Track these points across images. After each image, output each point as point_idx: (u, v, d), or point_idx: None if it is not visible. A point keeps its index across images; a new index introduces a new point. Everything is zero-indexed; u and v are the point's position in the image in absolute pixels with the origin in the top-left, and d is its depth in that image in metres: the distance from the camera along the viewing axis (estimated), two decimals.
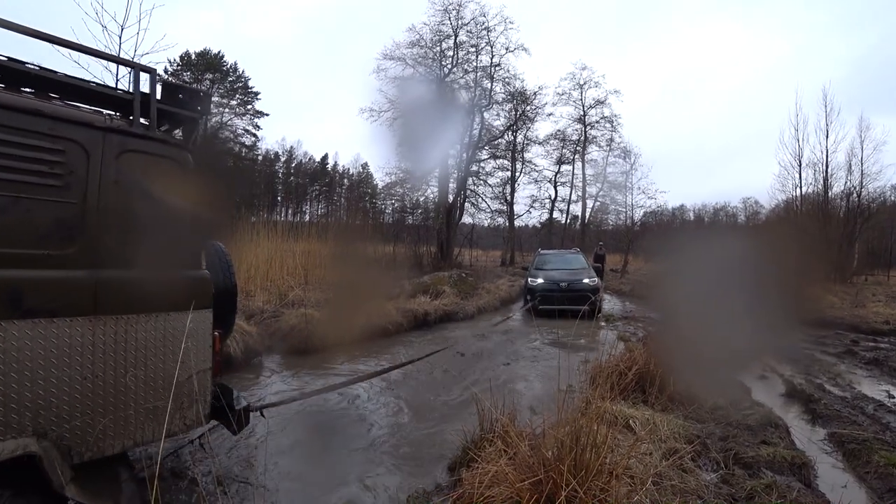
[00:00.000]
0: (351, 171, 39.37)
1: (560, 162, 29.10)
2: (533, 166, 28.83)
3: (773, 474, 2.88)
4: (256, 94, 34.20)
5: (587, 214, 29.63)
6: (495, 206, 27.78)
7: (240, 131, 33.16)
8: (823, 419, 4.15)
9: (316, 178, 39.38)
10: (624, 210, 28.40)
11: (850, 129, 20.03)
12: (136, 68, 2.38)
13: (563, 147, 29.01)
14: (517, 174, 28.30)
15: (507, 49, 24.83)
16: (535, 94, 26.70)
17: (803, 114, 20.90)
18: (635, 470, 2.49)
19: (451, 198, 24.51)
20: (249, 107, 33.94)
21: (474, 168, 26.02)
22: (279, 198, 37.54)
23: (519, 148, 28.10)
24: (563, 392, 2.66)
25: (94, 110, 2.27)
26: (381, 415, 4.28)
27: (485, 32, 24.63)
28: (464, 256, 24.81)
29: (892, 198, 22.82)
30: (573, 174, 29.28)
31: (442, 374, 5.61)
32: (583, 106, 28.60)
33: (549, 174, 29.10)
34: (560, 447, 2.27)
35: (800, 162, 19.74)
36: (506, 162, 27.73)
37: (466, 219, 26.74)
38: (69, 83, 2.20)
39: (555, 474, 2.16)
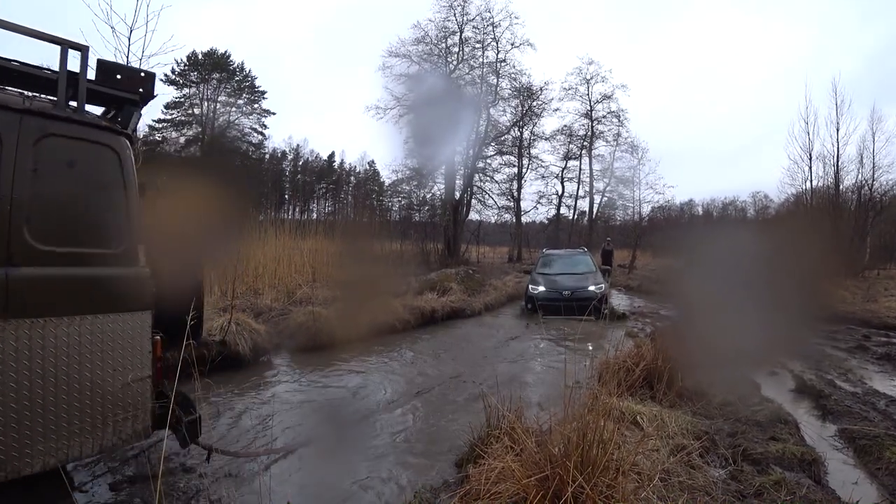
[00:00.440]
0: (358, 169, 39.46)
1: (567, 157, 28.93)
2: (540, 162, 28.69)
3: (782, 471, 2.86)
4: (263, 93, 34.28)
5: (595, 210, 29.50)
6: (502, 202, 27.70)
7: (247, 130, 33.33)
8: (834, 415, 4.10)
9: (323, 175, 39.46)
10: (632, 205, 28.23)
11: (861, 122, 19.72)
12: (65, 45, 2.13)
13: (569, 142, 28.83)
14: (524, 170, 28.20)
15: (512, 45, 24.75)
16: (541, 89, 26.56)
17: (813, 106, 20.51)
18: (642, 466, 2.48)
19: (457, 194, 24.49)
20: (256, 106, 34.07)
21: (481, 164, 25.95)
22: (286, 196, 37.69)
23: (525, 144, 27.99)
24: (570, 388, 2.66)
25: (20, 93, 2.10)
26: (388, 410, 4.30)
27: (490, 28, 24.56)
28: (471, 253, 24.79)
29: None
30: (580, 169, 29.11)
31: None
32: (589, 101, 28.36)
33: (556, 170, 28.96)
34: (566, 443, 2.27)
35: (810, 155, 19.47)
36: (512, 158, 27.60)
37: (473, 215, 26.70)
38: None
39: (561, 471, 2.15)
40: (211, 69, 33.18)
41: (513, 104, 26.32)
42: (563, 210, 29.56)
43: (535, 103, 26.71)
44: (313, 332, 6.49)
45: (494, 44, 24.73)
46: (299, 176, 39.19)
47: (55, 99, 2.10)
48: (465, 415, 3.93)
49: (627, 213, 28.86)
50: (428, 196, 26.96)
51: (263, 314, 7.23)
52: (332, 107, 55.00)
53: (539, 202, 28.92)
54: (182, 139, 31.56)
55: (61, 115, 2.04)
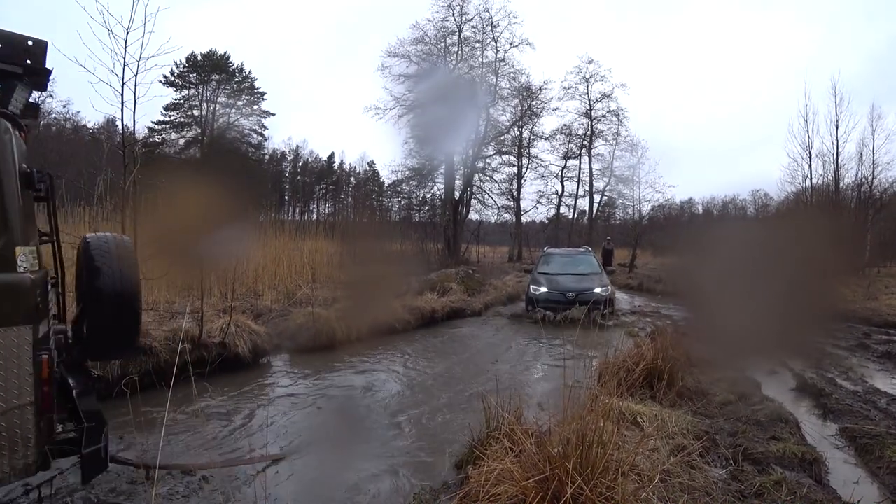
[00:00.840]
0: (357, 170, 39.46)
1: (566, 157, 28.91)
2: (539, 161, 28.68)
3: (783, 470, 2.85)
4: (263, 94, 34.30)
5: (594, 209, 29.49)
6: (502, 202, 27.69)
7: (246, 131, 33.34)
8: (835, 414, 4.09)
9: (322, 176, 39.47)
10: (631, 204, 28.20)
11: (861, 119, 19.61)
12: None
13: (569, 142, 28.82)
14: (523, 170, 28.19)
15: (511, 44, 24.71)
16: (540, 88, 26.55)
17: (813, 104, 20.48)
18: (642, 467, 2.47)
19: (457, 194, 24.47)
20: (256, 107, 34.08)
21: (480, 164, 25.92)
22: (286, 197, 37.69)
23: (525, 143, 27.98)
24: (570, 388, 2.65)
25: None
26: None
27: (489, 28, 24.53)
28: (471, 253, 24.76)
29: None
30: (580, 169, 29.09)
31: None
32: (589, 100, 28.33)
33: (556, 169, 28.94)
34: (566, 444, 2.26)
35: (810, 153, 19.45)
36: (512, 157, 27.61)
37: (473, 215, 26.69)
38: None
39: (560, 472, 2.15)
40: (210, 70, 33.19)
41: (512, 104, 26.32)
42: (562, 209, 29.59)
43: (534, 103, 26.72)
44: (313, 333, 6.49)
45: (493, 43, 24.73)
46: (299, 177, 39.20)
47: None
48: (464, 415, 3.92)
49: (627, 212, 28.88)
50: (428, 196, 26.99)
51: (263, 315, 7.22)
52: (331, 107, 54.98)
53: (539, 202, 28.94)
54: (182, 141, 31.60)
55: None
